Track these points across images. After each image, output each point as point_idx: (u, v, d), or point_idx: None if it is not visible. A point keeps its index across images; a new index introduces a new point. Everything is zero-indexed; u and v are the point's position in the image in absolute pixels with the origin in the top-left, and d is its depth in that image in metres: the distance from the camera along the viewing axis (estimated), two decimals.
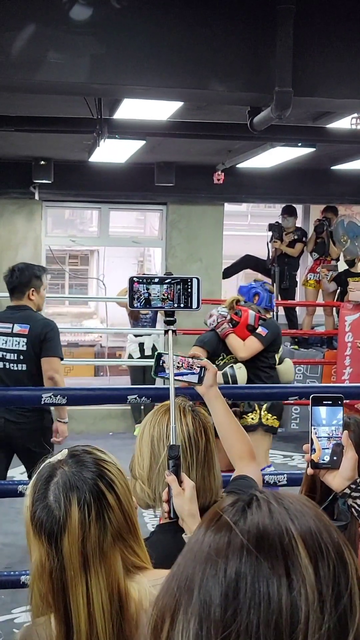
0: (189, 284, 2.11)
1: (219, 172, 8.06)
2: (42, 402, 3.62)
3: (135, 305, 2.10)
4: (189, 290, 2.10)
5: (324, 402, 1.88)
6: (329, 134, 5.36)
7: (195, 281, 2.11)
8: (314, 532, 0.74)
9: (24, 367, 4.55)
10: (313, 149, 6.45)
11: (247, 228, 14.69)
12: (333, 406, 1.87)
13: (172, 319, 2.10)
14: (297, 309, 9.56)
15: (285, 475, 3.78)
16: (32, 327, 4.54)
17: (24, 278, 4.63)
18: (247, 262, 9.99)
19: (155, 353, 2.46)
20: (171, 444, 1.88)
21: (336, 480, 1.81)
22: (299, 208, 9.62)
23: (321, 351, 9.18)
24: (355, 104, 3.66)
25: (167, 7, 3.30)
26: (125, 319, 9.15)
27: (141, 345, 8.67)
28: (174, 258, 8.98)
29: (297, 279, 9.56)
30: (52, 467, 1.43)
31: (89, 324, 13.96)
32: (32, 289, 4.63)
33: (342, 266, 9.33)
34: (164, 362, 2.40)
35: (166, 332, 2.10)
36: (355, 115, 4.94)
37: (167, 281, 2.10)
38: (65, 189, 8.41)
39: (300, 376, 8.96)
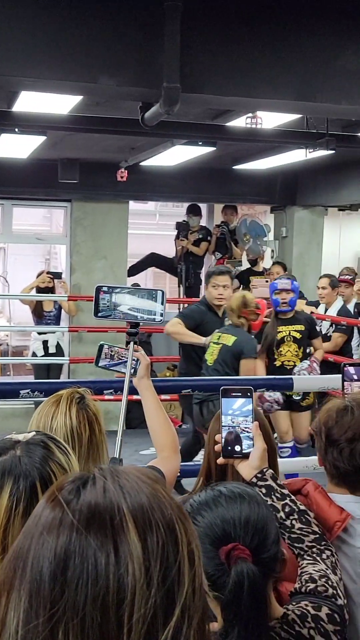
0: (154, 296, 2.11)
1: (122, 170, 8.08)
2: None
3: (100, 314, 2.09)
4: (154, 302, 2.11)
5: (233, 394, 1.94)
6: (226, 132, 5.45)
7: (160, 293, 2.12)
8: (146, 509, 0.76)
9: None
10: (214, 148, 6.54)
11: (155, 227, 14.72)
12: (242, 397, 1.93)
13: (135, 330, 2.09)
14: None
15: None
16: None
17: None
18: (153, 260, 10.04)
19: (99, 344, 2.49)
20: (113, 456, 1.88)
21: (245, 469, 1.87)
22: (202, 207, 9.74)
23: None
24: (243, 102, 3.75)
25: (56, 0, 3.30)
26: (29, 317, 9.05)
27: (45, 343, 8.59)
28: (78, 255, 8.94)
29: (202, 277, 9.67)
30: (8, 445, 1.41)
31: None
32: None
33: (245, 264, 9.51)
34: (106, 353, 2.43)
35: (128, 343, 2.09)
36: (250, 114, 5.06)
37: (133, 292, 2.10)
38: None
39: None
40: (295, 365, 6.14)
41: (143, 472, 0.84)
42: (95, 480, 0.79)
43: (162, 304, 2.13)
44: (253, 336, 5.79)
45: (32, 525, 0.78)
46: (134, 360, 2.39)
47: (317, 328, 7.58)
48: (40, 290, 8.72)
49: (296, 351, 6.16)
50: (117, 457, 1.92)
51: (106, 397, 4.26)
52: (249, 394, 1.94)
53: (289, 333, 6.19)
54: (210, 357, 5.56)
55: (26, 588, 0.73)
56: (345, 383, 2.49)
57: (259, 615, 1.29)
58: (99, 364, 2.44)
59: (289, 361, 6.17)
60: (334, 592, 1.57)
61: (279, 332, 6.15)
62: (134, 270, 9.80)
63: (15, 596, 0.74)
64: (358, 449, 1.95)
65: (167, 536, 0.76)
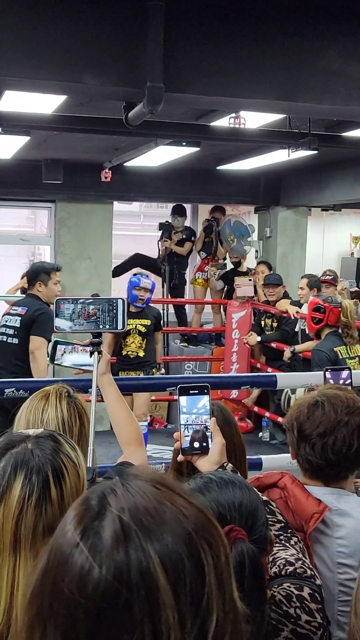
0: (114, 304, 2.12)
1: (107, 170, 8.09)
2: None
3: (60, 327, 2.10)
4: (114, 311, 2.12)
5: (190, 392, 1.96)
6: (209, 131, 5.48)
7: (120, 302, 2.13)
8: (172, 550, 0.75)
9: (16, 341, 5.58)
10: (197, 149, 6.56)
11: (139, 228, 14.73)
12: (199, 395, 1.95)
13: (98, 340, 2.11)
14: (187, 306, 9.71)
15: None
16: (28, 310, 5.58)
17: (33, 272, 5.80)
18: (137, 260, 10.05)
19: (52, 340, 2.50)
20: (87, 466, 1.89)
21: (205, 465, 1.88)
22: (187, 208, 9.77)
23: (210, 348, 9.36)
24: (226, 102, 3.77)
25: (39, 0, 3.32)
26: None
27: None
28: (63, 256, 8.93)
29: (186, 278, 9.70)
30: (19, 438, 1.42)
31: None
32: (40, 281, 5.71)
33: (228, 265, 9.55)
34: (63, 350, 2.45)
35: (92, 353, 2.10)
36: (233, 115, 5.09)
37: (92, 302, 2.11)
38: None
39: (189, 372, 9.11)
40: (138, 356, 6.85)
41: (152, 480, 0.82)
42: (113, 516, 0.77)
43: (123, 312, 2.14)
44: None
45: (57, 576, 0.76)
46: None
47: (298, 327, 7.66)
48: (25, 291, 8.68)
49: (140, 343, 6.92)
50: (91, 466, 1.93)
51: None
52: (205, 390, 1.96)
53: (135, 326, 6.92)
54: None
55: (59, 634, 0.74)
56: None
57: (260, 591, 1.33)
58: (55, 362, 2.46)
59: (132, 352, 6.90)
60: (312, 572, 1.63)
61: (128, 324, 6.48)
62: (118, 270, 9.81)
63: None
64: (329, 443, 1.98)
65: (193, 572, 0.75)
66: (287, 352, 7.59)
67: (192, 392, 1.95)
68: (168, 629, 0.72)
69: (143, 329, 6.94)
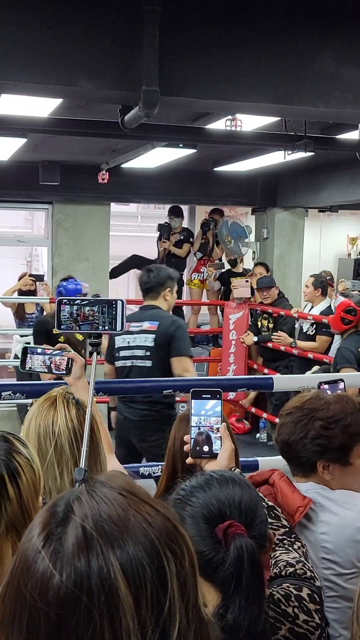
0: (114, 306, 2.14)
1: (104, 172, 8.11)
2: None
3: (62, 327, 2.12)
4: (114, 312, 2.14)
5: (203, 396, 1.98)
6: (206, 134, 5.49)
7: (119, 303, 2.15)
8: (133, 557, 0.75)
9: (149, 363, 4.62)
10: (194, 150, 6.58)
11: (137, 229, 14.75)
12: (211, 399, 1.98)
13: (97, 340, 2.13)
14: (184, 308, 9.72)
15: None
16: (161, 324, 4.62)
17: (160, 278, 4.77)
18: (134, 262, 10.07)
19: (22, 347, 2.50)
20: (79, 467, 1.91)
21: (214, 469, 1.91)
22: (184, 209, 9.78)
23: (207, 349, 9.38)
24: (221, 105, 3.78)
25: (34, 3, 3.32)
26: (11, 320, 9.04)
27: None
28: (60, 257, 8.94)
29: (184, 279, 9.72)
30: None
31: None
32: (169, 288, 4.79)
33: (226, 266, 9.57)
34: (33, 356, 2.46)
35: (91, 353, 2.12)
36: (229, 117, 5.11)
37: (92, 303, 2.13)
38: None
39: None
40: None
41: (119, 488, 0.82)
42: (77, 525, 0.77)
43: (122, 313, 2.16)
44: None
45: (21, 582, 0.77)
46: (67, 359, 2.42)
47: (298, 325, 7.66)
48: (22, 292, 8.71)
49: None
50: (84, 467, 1.94)
51: None
52: (218, 395, 1.99)
53: None
54: None
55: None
56: None
57: (259, 585, 1.35)
58: (26, 368, 2.47)
59: None
60: (312, 574, 1.66)
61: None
62: (116, 272, 9.83)
63: None
64: (277, 432, 2.10)
65: (155, 579, 0.75)
66: (287, 338, 7.59)
67: (205, 396, 1.99)
68: (128, 635, 0.72)
69: (81, 337, 6.40)
